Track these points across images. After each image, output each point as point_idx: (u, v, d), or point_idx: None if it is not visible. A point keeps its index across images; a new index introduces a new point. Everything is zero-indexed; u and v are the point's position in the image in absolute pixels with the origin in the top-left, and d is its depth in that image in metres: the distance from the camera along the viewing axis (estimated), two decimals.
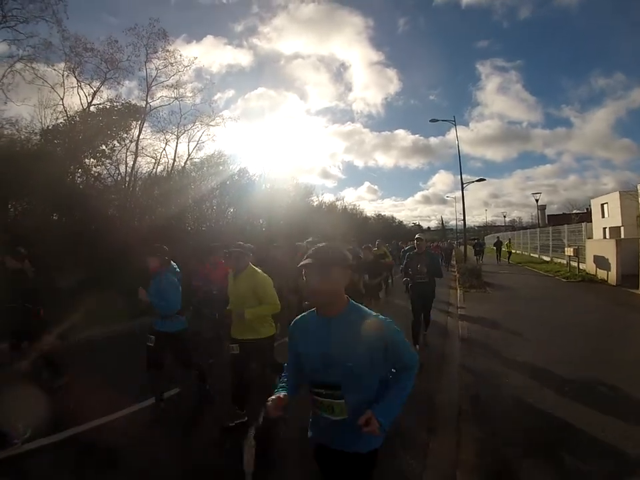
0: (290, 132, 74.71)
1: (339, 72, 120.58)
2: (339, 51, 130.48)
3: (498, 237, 33.88)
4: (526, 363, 5.85)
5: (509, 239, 31.99)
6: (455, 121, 21.81)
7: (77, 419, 4.20)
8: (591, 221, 30.22)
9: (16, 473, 3.38)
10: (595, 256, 15.02)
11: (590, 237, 18.91)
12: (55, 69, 15.16)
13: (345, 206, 41.66)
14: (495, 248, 30.24)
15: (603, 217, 34.30)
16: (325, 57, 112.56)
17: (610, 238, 21.33)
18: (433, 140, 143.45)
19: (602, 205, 34.99)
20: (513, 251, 28.20)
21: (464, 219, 22.80)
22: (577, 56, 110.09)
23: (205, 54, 47.01)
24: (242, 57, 75.16)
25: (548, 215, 67.16)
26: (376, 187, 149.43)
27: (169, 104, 18.76)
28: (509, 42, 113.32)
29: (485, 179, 23.58)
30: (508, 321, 8.80)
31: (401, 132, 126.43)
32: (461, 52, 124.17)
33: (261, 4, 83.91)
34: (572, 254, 16.73)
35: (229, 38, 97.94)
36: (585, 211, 53.41)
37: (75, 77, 15.67)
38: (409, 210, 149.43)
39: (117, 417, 4.40)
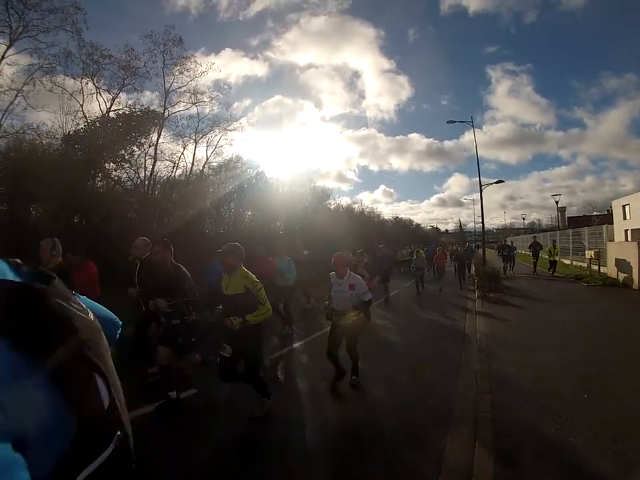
0: (306, 138, 75.67)
1: (351, 80, 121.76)
2: (351, 61, 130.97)
3: (535, 237, 23.99)
4: (544, 369, 5.78)
5: (554, 241, 21.04)
6: (472, 122, 21.61)
7: None
8: (612, 223, 29.49)
9: None
10: (616, 259, 14.73)
11: (611, 240, 18.56)
12: (74, 78, 15.50)
13: (362, 209, 41.48)
14: (530, 253, 21.62)
15: (625, 218, 33.54)
16: (338, 67, 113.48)
17: (632, 240, 20.88)
18: (447, 143, 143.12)
19: (623, 207, 34.20)
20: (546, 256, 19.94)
21: (482, 221, 22.35)
22: (585, 58, 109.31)
23: (224, 66, 47.99)
24: (258, 68, 76.57)
25: (568, 217, 66.32)
26: (392, 190, 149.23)
27: (187, 109, 19.02)
28: (517, 47, 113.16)
29: (503, 181, 22.80)
30: (527, 325, 8.71)
31: (415, 136, 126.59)
32: (470, 58, 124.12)
33: (275, 19, 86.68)
34: (593, 257, 16.47)
35: (245, 51, 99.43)
36: (606, 212, 52.51)
37: (94, 84, 16.03)
38: (425, 212, 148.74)
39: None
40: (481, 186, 20.68)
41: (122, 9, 44.46)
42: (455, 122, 22.06)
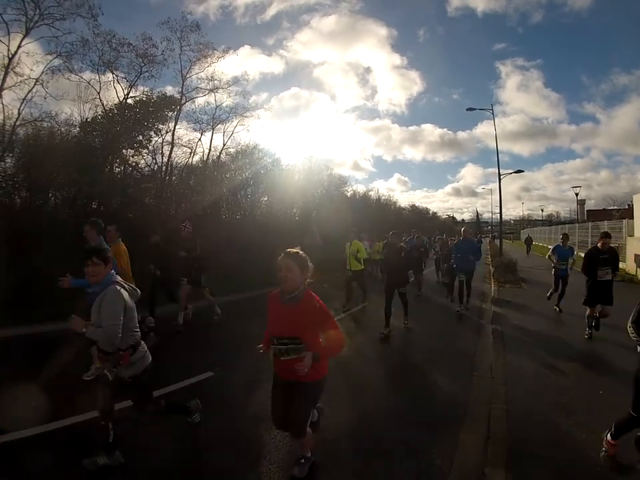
0: (321, 128, 75.71)
1: (364, 76, 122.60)
2: (363, 57, 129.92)
3: None
4: (561, 363, 5.76)
5: None
6: (492, 109, 21.37)
7: (72, 410, 4.04)
8: (633, 218, 28.88)
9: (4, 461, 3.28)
10: (635, 255, 14.49)
11: (631, 235, 18.23)
12: (91, 64, 15.55)
13: (379, 196, 41.17)
14: None
15: None
16: (351, 63, 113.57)
17: None
18: (460, 134, 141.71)
19: None
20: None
21: (500, 211, 21.99)
22: (594, 55, 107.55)
23: (242, 62, 48.33)
24: (275, 65, 76.91)
25: (587, 210, 65.13)
26: (406, 179, 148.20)
27: (204, 95, 19.02)
28: (526, 44, 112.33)
29: (522, 171, 22.06)
30: (543, 318, 8.64)
31: (428, 126, 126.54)
32: (480, 54, 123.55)
33: (290, 20, 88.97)
34: None
35: (262, 48, 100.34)
36: (627, 207, 51.49)
37: (111, 72, 16.06)
38: (440, 202, 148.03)
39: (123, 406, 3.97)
40: (499, 175, 20.45)
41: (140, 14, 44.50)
42: (475, 109, 21.96)
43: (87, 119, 15.15)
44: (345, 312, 9.39)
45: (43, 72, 13.76)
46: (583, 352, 6.21)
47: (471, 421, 4.12)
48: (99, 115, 15.62)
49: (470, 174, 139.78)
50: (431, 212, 70.25)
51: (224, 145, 20.27)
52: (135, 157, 16.75)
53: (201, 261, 8.26)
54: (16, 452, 3.36)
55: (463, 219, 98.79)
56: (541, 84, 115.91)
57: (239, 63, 48.41)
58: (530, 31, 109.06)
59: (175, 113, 17.82)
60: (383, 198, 42.46)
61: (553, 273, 9.65)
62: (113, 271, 3.24)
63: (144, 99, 16.92)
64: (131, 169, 16.72)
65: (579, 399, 4.50)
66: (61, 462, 3.21)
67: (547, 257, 10.08)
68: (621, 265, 15.42)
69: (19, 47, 12.96)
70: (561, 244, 9.46)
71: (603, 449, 3.27)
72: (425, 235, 24.21)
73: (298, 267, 2.91)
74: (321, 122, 76.52)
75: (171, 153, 17.78)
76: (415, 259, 11.58)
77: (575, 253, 10.06)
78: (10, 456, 3.32)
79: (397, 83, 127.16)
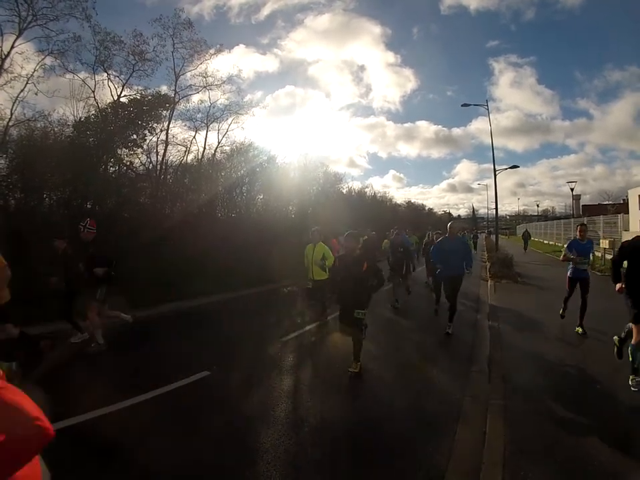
0: (317, 125, 76.03)
1: (358, 74, 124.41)
2: (357, 56, 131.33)
3: None
4: (557, 357, 5.76)
5: None
6: (487, 105, 21.41)
7: (76, 409, 4.03)
8: (628, 213, 28.99)
9: None
10: None
11: (626, 229, 18.30)
12: (84, 63, 15.43)
13: (374, 193, 41.20)
14: None
15: None
16: (345, 61, 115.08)
17: None
18: (455, 131, 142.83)
19: (639, 196, 33.60)
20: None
21: (496, 206, 21.98)
22: (587, 52, 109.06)
23: (237, 61, 48.76)
24: (270, 64, 77.21)
25: (582, 205, 65.38)
26: (401, 175, 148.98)
27: (198, 92, 18.91)
28: (519, 42, 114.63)
29: (518, 166, 21.82)
30: (539, 313, 8.65)
31: (423, 123, 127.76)
32: (473, 52, 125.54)
33: (285, 19, 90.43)
34: (607, 246, 16.29)
35: (257, 47, 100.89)
36: (622, 201, 51.62)
37: (105, 70, 15.94)
38: (436, 198, 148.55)
39: (119, 407, 4.21)
40: (495, 170, 20.48)
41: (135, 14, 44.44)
42: (470, 105, 21.91)
43: (80, 118, 15.05)
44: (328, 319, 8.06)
45: (35, 69, 13.64)
46: (582, 348, 6.20)
47: (468, 415, 4.12)
48: (93, 114, 15.52)
49: (465, 170, 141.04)
50: (427, 208, 70.48)
51: (219, 143, 20.19)
52: (130, 156, 16.65)
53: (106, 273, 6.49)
54: None
55: (459, 215, 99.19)
56: (534, 80, 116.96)
57: (233, 61, 48.24)
58: (523, 28, 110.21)
59: (169, 111, 17.73)
60: (379, 195, 42.54)
61: (568, 274, 7.45)
62: None
63: (138, 97, 16.79)
64: (125, 168, 16.63)
65: (578, 395, 4.49)
66: (61, 462, 3.19)
67: (561, 258, 7.98)
68: None
69: (12, 47, 12.83)
70: (578, 237, 7.29)
71: None
72: (419, 232, 23.49)
73: None
74: (316, 119, 76.92)
75: (165, 151, 17.69)
76: (400, 262, 10.39)
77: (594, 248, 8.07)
78: None
79: (391, 81, 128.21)
